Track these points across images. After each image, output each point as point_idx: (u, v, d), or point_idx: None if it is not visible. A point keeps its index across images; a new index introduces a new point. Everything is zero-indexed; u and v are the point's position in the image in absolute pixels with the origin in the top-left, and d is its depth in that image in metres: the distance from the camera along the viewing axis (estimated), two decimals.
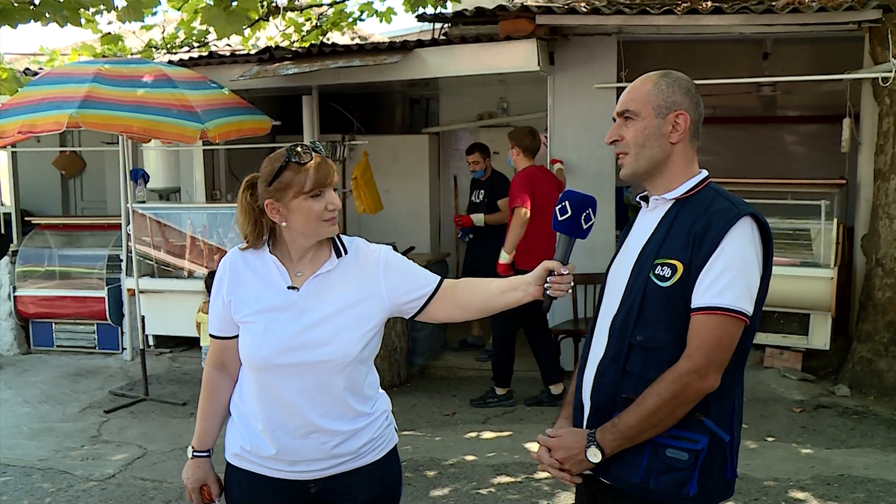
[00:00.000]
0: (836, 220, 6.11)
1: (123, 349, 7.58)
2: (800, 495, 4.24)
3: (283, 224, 2.10)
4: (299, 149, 2.07)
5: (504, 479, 4.55)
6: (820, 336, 6.16)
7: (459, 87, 9.05)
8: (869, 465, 4.61)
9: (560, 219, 2.07)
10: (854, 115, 6.30)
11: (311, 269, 2.15)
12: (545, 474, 4.52)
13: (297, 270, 2.16)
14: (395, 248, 2.21)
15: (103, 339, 7.71)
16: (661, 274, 1.91)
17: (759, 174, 7.48)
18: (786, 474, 4.50)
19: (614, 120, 2.07)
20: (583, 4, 6.40)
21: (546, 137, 6.99)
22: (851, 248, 6.53)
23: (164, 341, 7.64)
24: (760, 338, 6.28)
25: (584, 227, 2.07)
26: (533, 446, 5.03)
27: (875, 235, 6.09)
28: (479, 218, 7.07)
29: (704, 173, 2.04)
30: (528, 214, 5.60)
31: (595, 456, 1.90)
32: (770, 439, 5.09)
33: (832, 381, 6.09)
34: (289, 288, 2.13)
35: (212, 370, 2.28)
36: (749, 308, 1.88)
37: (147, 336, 7.12)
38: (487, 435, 5.36)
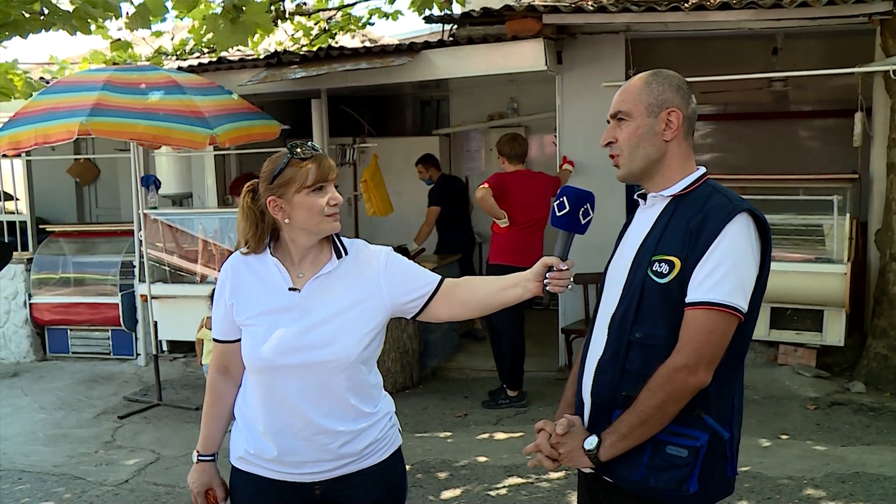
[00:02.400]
0: (848, 215, 6.05)
1: (137, 355, 7.63)
2: (814, 493, 4.20)
3: (286, 221, 2.11)
4: (299, 146, 2.09)
5: (515, 480, 4.54)
6: (834, 332, 6.10)
7: (469, 87, 9.06)
8: (884, 463, 4.56)
9: (558, 214, 2.07)
10: (866, 109, 6.24)
11: (313, 271, 2.16)
12: (556, 475, 4.51)
13: (299, 272, 2.17)
14: (406, 251, 2.23)
15: (118, 345, 7.76)
16: (658, 270, 1.91)
17: (772, 170, 7.43)
18: (800, 472, 4.46)
19: (608, 122, 2.07)
20: (590, 3, 6.39)
21: (556, 137, 6.99)
22: (865, 243, 6.47)
23: (177, 346, 7.67)
24: (774, 335, 6.24)
25: (583, 222, 2.06)
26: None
27: (888, 230, 6.03)
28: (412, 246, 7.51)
29: (702, 170, 2.04)
30: (489, 192, 5.80)
31: (591, 443, 1.90)
32: (784, 437, 5.06)
33: (847, 377, 6.03)
34: (290, 290, 2.14)
35: (215, 374, 2.29)
36: (743, 304, 1.87)
37: (160, 341, 7.15)
38: (499, 436, 5.35)
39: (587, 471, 2.01)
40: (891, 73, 5.80)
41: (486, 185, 5.87)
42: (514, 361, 6.03)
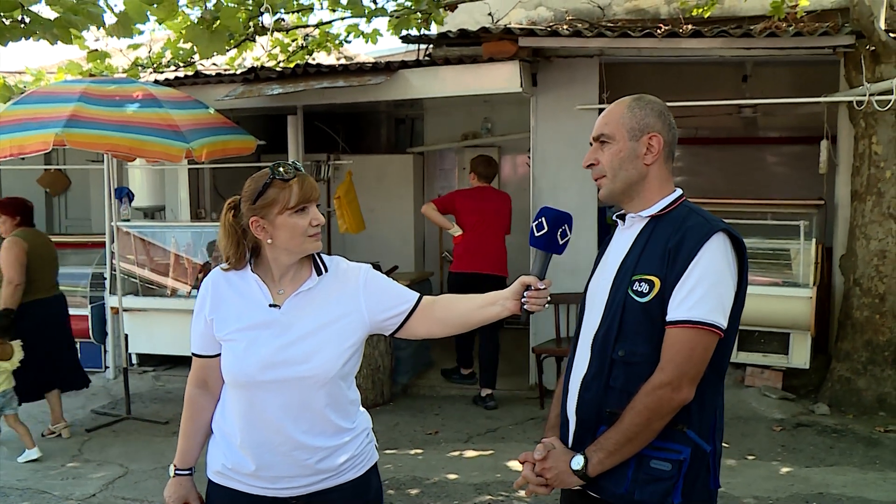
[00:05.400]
0: (814, 240, 6.20)
1: (106, 368, 7.54)
2: None
3: (269, 241, 2.13)
4: (282, 167, 2.12)
5: (486, 497, 4.57)
6: (800, 355, 6.22)
7: (444, 107, 9.12)
8: (847, 484, 4.66)
9: (536, 235, 2.11)
10: (831, 137, 6.40)
11: (293, 287, 2.18)
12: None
13: (279, 289, 2.19)
14: (378, 268, 2.28)
15: (86, 357, 7.61)
16: (639, 290, 1.97)
17: (740, 194, 7.59)
18: (765, 492, 4.54)
19: (591, 144, 2.13)
20: (565, 27, 6.51)
21: (529, 158, 7.07)
22: (830, 268, 6.62)
23: (147, 360, 7.60)
24: (741, 357, 6.35)
25: (561, 242, 2.11)
26: (516, 465, 5.05)
27: (853, 255, 6.17)
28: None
29: (679, 192, 2.10)
30: (431, 206, 6.70)
31: (578, 463, 1.95)
32: (750, 457, 5.14)
33: (812, 399, 6.15)
34: (270, 306, 2.16)
35: (194, 389, 2.30)
36: (722, 321, 1.93)
37: (130, 354, 7.09)
38: (470, 454, 5.37)
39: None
40: (854, 103, 5.96)
41: (430, 202, 6.78)
42: (462, 342, 6.91)
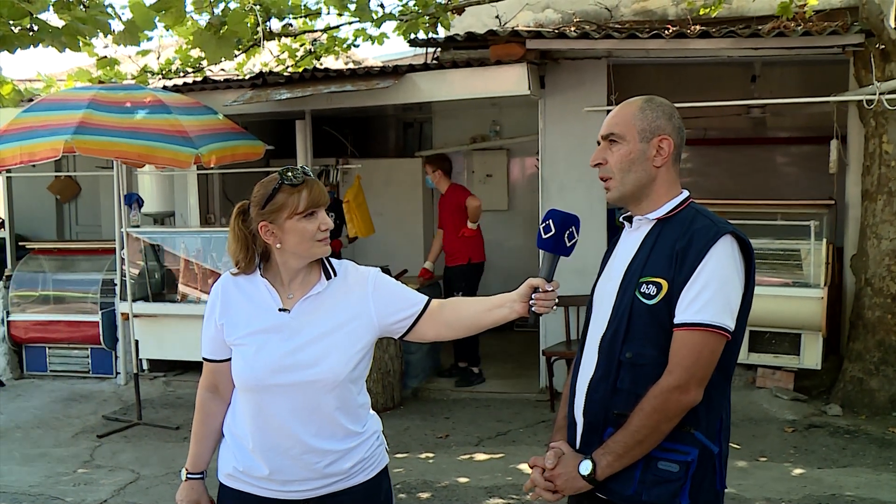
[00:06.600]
0: (825, 241, 6.17)
1: (117, 373, 7.57)
2: None
3: (278, 246, 2.14)
4: (291, 172, 2.12)
5: (497, 500, 4.56)
6: (811, 356, 6.19)
7: (452, 110, 9.13)
8: (860, 485, 4.63)
9: (544, 237, 2.10)
10: (841, 137, 6.37)
11: (302, 292, 2.19)
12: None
13: (288, 293, 2.19)
14: (388, 271, 2.28)
15: (97, 363, 7.69)
16: (646, 292, 1.96)
17: (750, 195, 7.56)
18: (777, 494, 4.51)
19: (599, 143, 2.12)
20: (572, 29, 6.49)
21: (538, 160, 7.07)
22: (841, 268, 6.59)
23: (157, 365, 7.62)
24: (753, 358, 6.32)
25: (568, 244, 2.10)
26: (526, 468, 5.03)
27: (864, 255, 6.14)
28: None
29: (686, 193, 2.10)
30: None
31: (586, 468, 1.94)
32: (762, 459, 5.11)
33: (824, 400, 6.12)
34: (280, 310, 2.17)
35: (205, 393, 2.30)
36: (730, 323, 1.92)
37: (141, 360, 7.11)
38: (480, 457, 5.37)
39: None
40: (864, 102, 5.94)
41: (474, 196, 7.16)
42: (469, 341, 6.89)
